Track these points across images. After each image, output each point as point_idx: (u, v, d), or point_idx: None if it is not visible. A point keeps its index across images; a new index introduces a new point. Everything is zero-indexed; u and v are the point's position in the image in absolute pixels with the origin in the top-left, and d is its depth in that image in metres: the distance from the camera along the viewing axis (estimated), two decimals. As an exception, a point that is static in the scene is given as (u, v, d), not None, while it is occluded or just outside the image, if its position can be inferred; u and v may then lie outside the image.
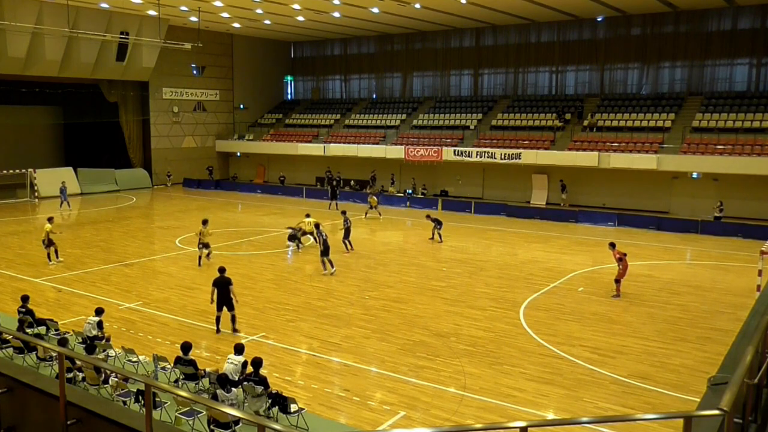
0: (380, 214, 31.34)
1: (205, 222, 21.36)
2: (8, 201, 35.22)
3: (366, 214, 31.15)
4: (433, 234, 25.67)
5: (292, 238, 23.58)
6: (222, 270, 14.80)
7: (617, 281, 17.55)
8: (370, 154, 38.72)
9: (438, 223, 25.41)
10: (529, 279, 19.69)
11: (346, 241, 23.26)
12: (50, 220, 21.48)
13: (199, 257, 20.97)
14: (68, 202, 32.96)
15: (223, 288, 14.41)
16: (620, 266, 17.49)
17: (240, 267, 20.55)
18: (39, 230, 24.58)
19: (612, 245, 18.15)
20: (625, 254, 17.71)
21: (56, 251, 21.32)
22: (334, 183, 37.72)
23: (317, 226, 21.49)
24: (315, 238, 21.79)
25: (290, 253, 23.14)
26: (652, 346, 13.77)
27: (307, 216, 23.81)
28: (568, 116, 36.24)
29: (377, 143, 39.44)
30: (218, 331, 14.41)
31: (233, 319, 14.44)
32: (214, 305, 14.44)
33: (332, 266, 19.84)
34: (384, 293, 17.84)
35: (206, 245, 21.09)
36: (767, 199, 29.03)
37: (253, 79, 47.98)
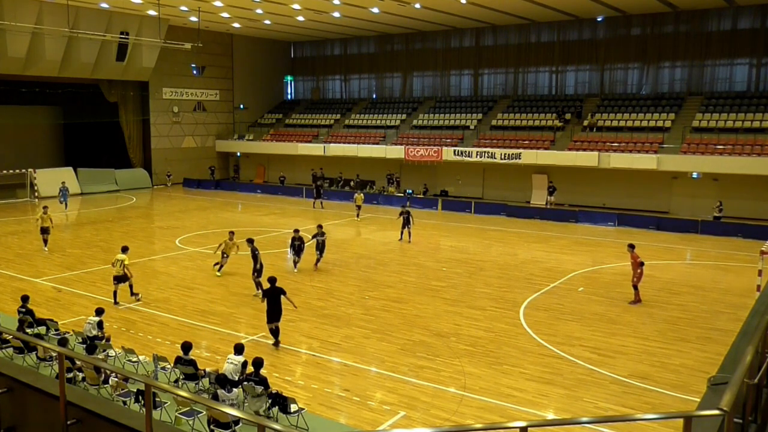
0: (358, 216, 30.72)
1: (125, 249, 16.95)
2: (8, 201, 35.19)
3: (358, 215, 30.81)
4: (401, 234, 25.36)
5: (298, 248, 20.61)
6: (273, 280, 13.83)
7: (635, 287, 16.94)
8: (370, 154, 38.71)
9: (407, 220, 25.12)
10: (529, 279, 19.68)
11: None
12: (45, 209, 23.03)
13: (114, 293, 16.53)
14: (66, 204, 32.62)
15: (274, 298, 13.57)
16: (638, 271, 16.74)
17: (240, 267, 20.53)
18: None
19: (631, 247, 17.17)
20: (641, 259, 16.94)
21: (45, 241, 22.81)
22: (319, 182, 37.68)
23: (251, 241, 18.27)
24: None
25: (294, 264, 20.71)
26: (652, 346, 13.76)
27: (231, 235, 20.03)
28: (568, 116, 36.24)
29: (377, 143, 39.43)
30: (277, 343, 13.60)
31: (276, 331, 13.63)
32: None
33: (258, 288, 17.19)
34: (384, 293, 17.84)
35: (121, 279, 16.38)
36: (767, 199, 29.05)
37: (253, 79, 47.97)
